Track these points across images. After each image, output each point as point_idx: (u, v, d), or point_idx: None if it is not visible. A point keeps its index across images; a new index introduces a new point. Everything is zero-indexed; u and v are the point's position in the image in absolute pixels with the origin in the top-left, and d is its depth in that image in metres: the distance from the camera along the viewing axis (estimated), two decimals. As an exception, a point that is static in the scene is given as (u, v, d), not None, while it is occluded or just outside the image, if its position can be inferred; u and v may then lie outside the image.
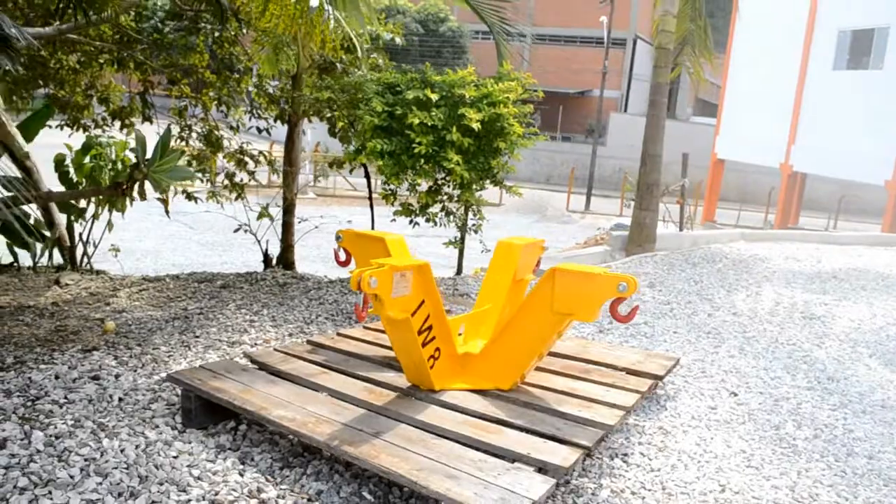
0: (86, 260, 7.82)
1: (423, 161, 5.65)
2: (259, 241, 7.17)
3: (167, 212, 6.80)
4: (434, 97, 5.60)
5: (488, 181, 6.02)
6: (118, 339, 4.49)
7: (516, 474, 2.72)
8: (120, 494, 2.64)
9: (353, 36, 5.61)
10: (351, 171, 7.07)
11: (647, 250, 8.45)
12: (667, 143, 8.80)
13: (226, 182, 7.52)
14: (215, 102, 8.04)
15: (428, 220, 6.29)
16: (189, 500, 2.66)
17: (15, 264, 7.12)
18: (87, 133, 9.25)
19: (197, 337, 4.63)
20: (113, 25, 8.10)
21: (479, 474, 2.69)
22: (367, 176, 7.37)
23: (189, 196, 7.15)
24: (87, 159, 8.38)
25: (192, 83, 8.78)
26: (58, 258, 7.64)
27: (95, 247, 7.77)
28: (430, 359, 3.43)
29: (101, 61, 9.37)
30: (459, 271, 7.23)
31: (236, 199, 7.93)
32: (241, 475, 2.90)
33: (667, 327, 5.45)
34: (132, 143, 8.91)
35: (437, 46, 36.97)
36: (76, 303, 5.62)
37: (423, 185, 6.09)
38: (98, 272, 7.34)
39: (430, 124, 5.56)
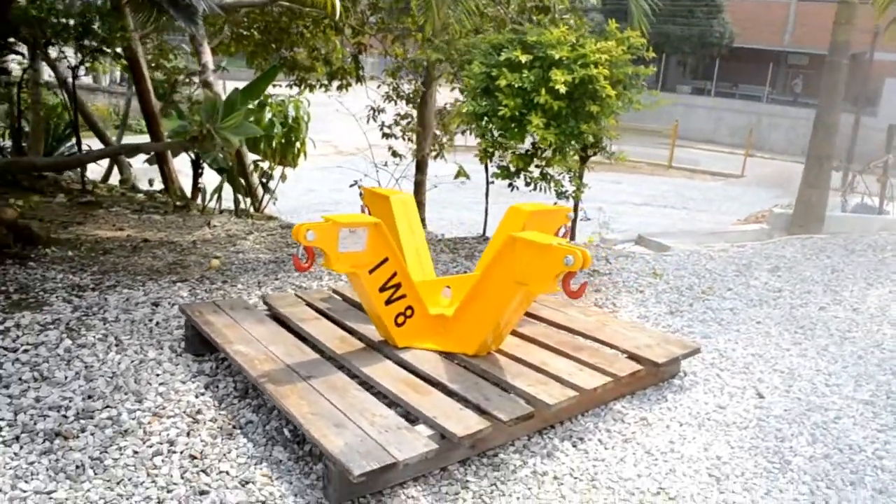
0: (264, 204, 8.92)
1: (511, 123, 5.58)
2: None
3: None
4: (525, 58, 5.47)
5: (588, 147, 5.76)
6: (214, 275, 5.14)
7: (404, 434, 2.77)
8: (89, 397, 3.15)
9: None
10: (462, 133, 7.15)
11: (811, 231, 7.43)
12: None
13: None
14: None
15: (527, 184, 6.19)
16: (135, 410, 3.10)
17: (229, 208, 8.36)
18: (311, 91, 10.45)
19: (277, 279, 5.14)
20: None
21: (367, 428, 2.79)
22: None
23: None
24: (267, 116, 9.36)
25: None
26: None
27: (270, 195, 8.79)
28: (399, 316, 3.53)
29: (323, 27, 10.44)
30: (572, 237, 7.01)
31: (436, 157, 8.43)
32: (196, 397, 3.28)
33: (754, 316, 4.87)
34: (305, 104, 9.87)
35: (689, 5, 34.49)
36: (211, 242, 6.46)
37: (518, 147, 6.00)
38: (253, 216, 8.31)
39: (517, 86, 5.45)
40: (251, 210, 8.76)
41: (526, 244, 3.17)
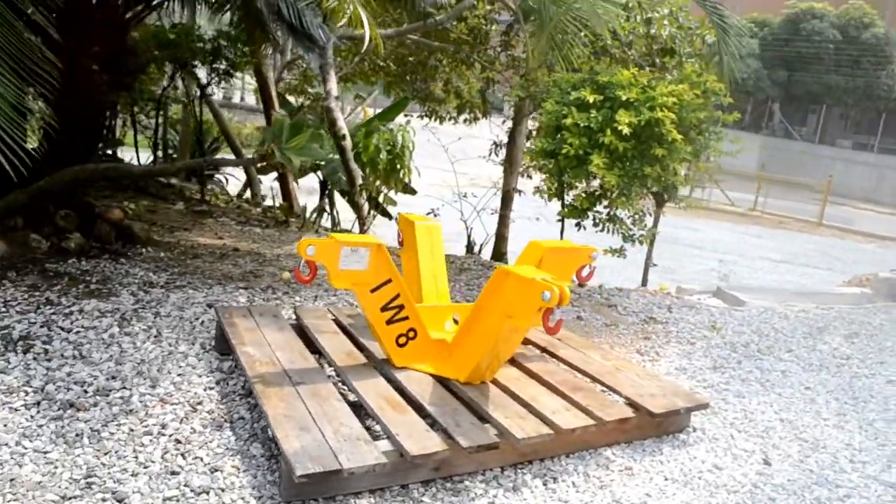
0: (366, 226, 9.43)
1: (576, 163, 5.60)
2: (468, 229, 7.76)
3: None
4: (593, 98, 5.50)
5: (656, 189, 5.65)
6: (281, 286, 5.52)
7: (360, 446, 2.90)
8: (112, 377, 3.53)
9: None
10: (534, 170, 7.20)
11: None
12: None
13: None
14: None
15: (596, 224, 6.14)
16: (146, 394, 3.43)
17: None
18: (440, 122, 11.02)
19: (335, 295, 5.44)
20: (467, 28, 9.47)
21: (329, 435, 2.94)
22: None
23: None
24: (374, 142, 9.87)
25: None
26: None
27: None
28: (400, 336, 3.66)
29: (457, 62, 11.01)
30: (644, 283, 6.83)
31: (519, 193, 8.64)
32: (204, 390, 3.58)
33: (805, 381, 4.55)
34: (411, 133, 10.32)
35: (857, 55, 32.33)
36: (294, 256, 6.92)
37: (583, 187, 5.99)
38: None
39: (583, 125, 5.48)
40: (355, 230, 9.27)
41: (510, 278, 3.22)
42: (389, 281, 3.56)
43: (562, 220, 6.43)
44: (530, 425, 3.20)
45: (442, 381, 3.60)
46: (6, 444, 2.91)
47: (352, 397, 3.49)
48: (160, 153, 10.38)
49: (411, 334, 3.68)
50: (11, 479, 2.72)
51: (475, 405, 3.38)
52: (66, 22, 5.73)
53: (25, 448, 2.91)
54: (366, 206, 9.76)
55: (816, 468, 3.46)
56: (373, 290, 3.54)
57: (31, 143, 6.86)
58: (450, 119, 11.47)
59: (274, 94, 11.34)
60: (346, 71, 16.12)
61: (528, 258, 3.99)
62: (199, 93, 9.54)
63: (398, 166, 10.00)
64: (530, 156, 6.09)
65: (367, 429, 3.12)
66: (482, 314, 3.44)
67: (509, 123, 9.12)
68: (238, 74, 11.76)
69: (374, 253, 3.47)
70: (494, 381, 3.65)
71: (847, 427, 3.96)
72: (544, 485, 3.15)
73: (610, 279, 7.04)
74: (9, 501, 2.61)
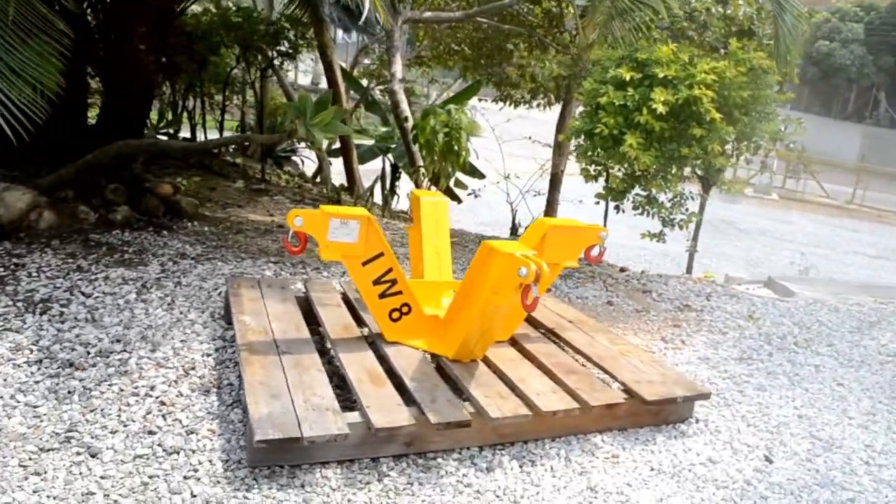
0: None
1: (610, 143, 5.39)
2: (513, 211, 7.63)
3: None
4: (630, 75, 5.27)
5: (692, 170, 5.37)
6: (313, 261, 5.58)
7: (327, 416, 2.90)
8: (117, 341, 3.67)
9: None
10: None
11: None
12: None
13: None
14: None
15: (635, 208, 5.90)
16: (144, 357, 3.55)
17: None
18: (514, 107, 10.96)
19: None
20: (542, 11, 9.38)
21: (299, 404, 2.95)
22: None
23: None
24: (430, 123, 9.86)
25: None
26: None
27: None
28: (394, 311, 3.64)
29: (531, 46, 10.95)
30: (689, 270, 6.52)
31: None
32: (201, 356, 3.66)
33: (840, 378, 4.23)
34: (469, 114, 10.25)
35: None
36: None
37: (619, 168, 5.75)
38: (396, 215, 8.80)
39: (618, 104, 5.27)
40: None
41: (492, 253, 3.13)
42: (381, 255, 3.54)
43: (605, 203, 6.23)
44: (509, 406, 3.12)
45: (432, 358, 3.56)
46: (0, 398, 3.07)
47: (334, 368, 3.49)
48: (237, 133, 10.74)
49: (405, 309, 3.65)
50: (-2, 429, 2.88)
51: (459, 383, 3.32)
52: (115, 3, 6.00)
53: (18, 402, 3.06)
54: (428, 188, 9.84)
55: (823, 468, 3.21)
56: (364, 264, 3.52)
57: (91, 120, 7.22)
58: (524, 104, 11.33)
59: (339, 75, 11.50)
60: (422, 54, 16.21)
61: (531, 235, 3.86)
62: (260, 74, 9.78)
63: (455, 147, 9.97)
64: (565, 136, 5.91)
65: (347, 400, 3.12)
66: (468, 290, 3.37)
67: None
68: (310, 56, 11.96)
69: (364, 226, 3.45)
70: (487, 361, 3.57)
71: (873, 428, 3.66)
72: (520, 467, 3.06)
73: (671, 268, 6.78)
74: (-7, 448, 2.76)
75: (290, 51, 9.50)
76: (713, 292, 5.73)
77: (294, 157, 14.17)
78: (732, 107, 5.22)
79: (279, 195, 8.67)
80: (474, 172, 10.99)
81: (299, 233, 3.40)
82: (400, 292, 3.61)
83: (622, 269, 6.38)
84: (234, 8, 9.49)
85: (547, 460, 3.13)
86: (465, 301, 3.41)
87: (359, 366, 3.37)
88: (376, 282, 3.56)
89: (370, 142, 13.52)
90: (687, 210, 5.74)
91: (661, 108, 4.98)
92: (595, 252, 3.97)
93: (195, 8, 9.34)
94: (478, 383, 3.31)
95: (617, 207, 6.00)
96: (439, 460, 3.04)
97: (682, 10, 8.42)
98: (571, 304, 5.22)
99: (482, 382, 3.32)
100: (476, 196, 7.81)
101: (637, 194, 5.84)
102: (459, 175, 10.65)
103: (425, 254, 4.03)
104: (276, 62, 10.05)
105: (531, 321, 4.25)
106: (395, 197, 11.12)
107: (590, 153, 5.51)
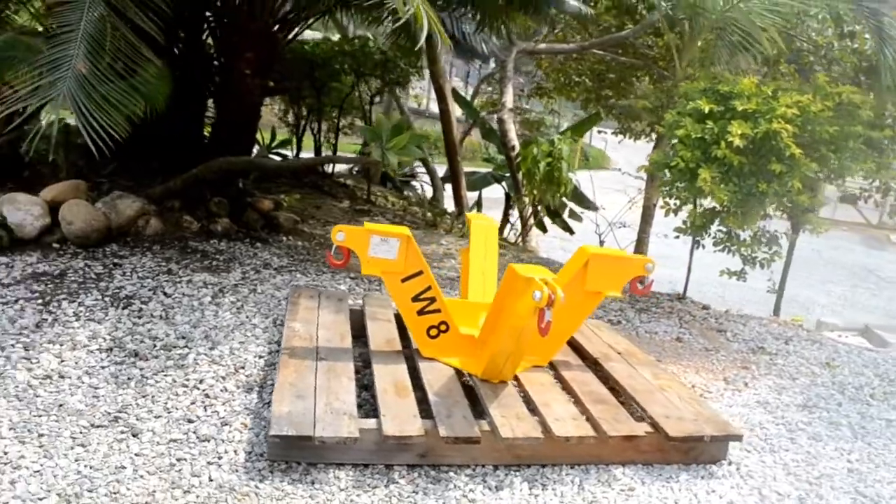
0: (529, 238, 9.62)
1: (687, 176, 5.26)
2: (601, 242, 7.52)
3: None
4: (708, 108, 5.14)
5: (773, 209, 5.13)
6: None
7: (343, 420, 3.06)
8: (182, 337, 4.01)
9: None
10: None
11: None
12: None
13: None
14: None
15: (716, 245, 5.69)
16: (202, 354, 3.85)
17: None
18: (635, 140, 11.06)
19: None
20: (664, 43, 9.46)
21: (320, 406, 3.13)
22: None
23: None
24: (533, 153, 9.97)
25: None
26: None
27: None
28: (431, 328, 3.76)
29: (648, 77, 11.01)
30: (776, 311, 6.17)
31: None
32: (255, 357, 3.92)
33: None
34: (574, 144, 10.27)
35: None
36: (426, 255, 7.20)
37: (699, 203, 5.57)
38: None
39: (694, 136, 5.15)
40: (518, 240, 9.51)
41: (514, 276, 3.19)
42: (420, 273, 3.68)
43: (690, 239, 6.03)
44: (523, 427, 3.14)
45: (462, 376, 3.63)
46: (69, 377, 3.46)
47: (365, 378, 3.65)
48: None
49: (443, 327, 3.76)
50: (60, 405, 3.24)
51: (482, 401, 3.38)
52: (225, 32, 6.57)
53: (83, 383, 3.44)
54: (531, 215, 9.94)
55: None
56: (403, 280, 3.68)
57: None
58: (644, 136, 11.26)
59: (450, 103, 11.86)
60: (541, 85, 16.38)
61: (573, 264, 3.88)
62: (370, 99, 10.27)
63: (556, 177, 10.00)
64: (647, 168, 5.83)
65: (374, 408, 3.26)
66: (497, 312, 3.44)
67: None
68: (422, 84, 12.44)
69: (403, 244, 3.61)
70: (519, 383, 3.62)
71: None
72: (530, 489, 3.07)
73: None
74: (51, 419, 3.12)
75: (400, 79, 9.93)
76: (794, 336, 5.42)
77: (414, 182, 14.67)
78: (819, 143, 4.96)
79: (380, 216, 9.01)
80: (582, 202, 10.94)
81: (342, 247, 3.61)
82: (438, 310, 3.73)
83: (704, 307, 6.15)
84: (351, 38, 10.08)
85: (560, 486, 3.12)
86: (495, 322, 3.48)
87: (390, 377, 3.51)
88: (415, 299, 3.71)
89: (486, 169, 13.78)
90: (771, 249, 5.48)
91: (737, 142, 4.82)
92: (642, 285, 3.92)
93: (310, 35, 10.01)
94: (500, 403, 3.35)
95: (697, 243, 5.82)
96: (451, 474, 3.11)
97: (807, 45, 8.09)
98: (639, 338, 5.13)
99: (504, 403, 3.36)
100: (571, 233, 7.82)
101: (718, 230, 5.64)
102: (574, 206, 10.68)
103: (471, 274, 4.13)
104: (387, 89, 10.56)
105: (579, 350, 4.23)
106: (508, 224, 11.26)
107: (668, 187, 5.40)
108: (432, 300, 3.71)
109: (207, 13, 6.66)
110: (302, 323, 4.01)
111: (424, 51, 11.72)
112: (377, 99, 10.55)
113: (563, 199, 9.83)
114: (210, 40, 7.19)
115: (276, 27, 6.53)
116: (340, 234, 3.56)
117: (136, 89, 4.77)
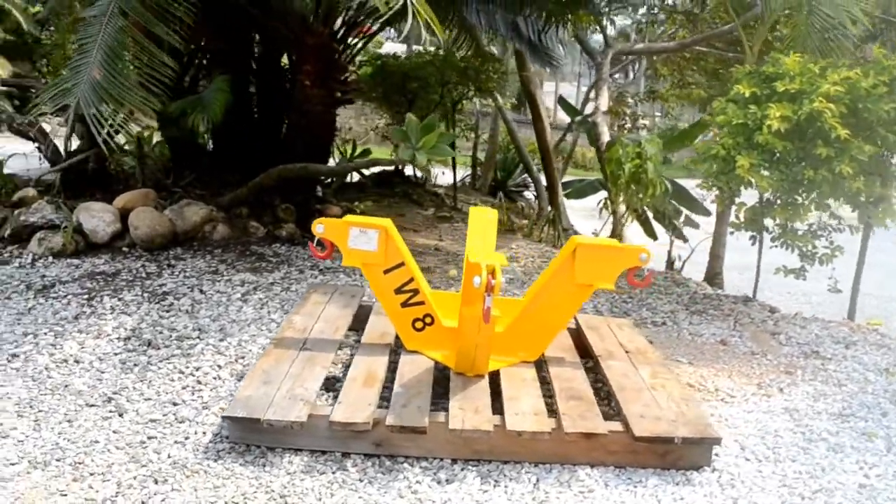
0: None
1: (725, 164, 4.89)
2: (671, 244, 7.13)
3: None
4: (749, 91, 4.76)
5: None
6: (440, 281, 5.85)
7: (298, 405, 3.14)
8: (199, 329, 4.28)
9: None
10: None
11: None
12: None
13: None
14: None
15: (773, 241, 5.23)
16: (212, 344, 4.08)
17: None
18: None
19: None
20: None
21: (282, 393, 3.24)
22: None
23: None
24: (617, 154, 9.67)
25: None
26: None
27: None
28: (416, 321, 3.76)
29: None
30: (850, 315, 5.53)
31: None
32: (259, 349, 4.10)
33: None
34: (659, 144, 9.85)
35: None
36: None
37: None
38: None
39: (735, 122, 4.79)
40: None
41: (467, 262, 3.14)
42: (402, 264, 3.69)
43: (752, 236, 5.61)
44: (474, 420, 3.08)
45: (441, 369, 3.60)
46: (82, 361, 3.79)
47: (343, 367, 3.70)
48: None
49: (428, 320, 3.75)
50: (66, 385, 3.56)
51: (446, 393, 3.33)
52: (285, 45, 6.92)
53: (92, 367, 3.76)
54: (623, 218, 9.61)
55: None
56: (386, 272, 3.71)
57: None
58: None
59: (541, 107, 11.74)
60: (654, 88, 15.84)
61: (563, 254, 3.73)
62: (452, 107, 10.38)
63: (643, 178, 9.62)
64: (691, 160, 5.47)
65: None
66: (462, 302, 3.38)
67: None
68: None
69: (382, 235, 3.64)
70: (496, 377, 3.53)
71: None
72: (481, 484, 2.99)
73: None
74: (54, 398, 3.44)
75: (481, 87, 9.98)
76: (860, 341, 4.86)
77: (526, 193, 14.65)
78: (873, 123, 4.44)
79: (461, 222, 9.07)
80: (692, 206, 10.37)
81: (325, 239, 3.70)
82: (422, 302, 3.73)
83: (772, 310, 5.67)
84: (432, 49, 10.27)
85: (514, 483, 3.01)
86: (470, 318, 3.42)
87: (364, 367, 3.55)
88: (398, 291, 3.72)
89: (593, 177, 13.52)
90: (832, 243, 4.96)
91: (776, 125, 4.43)
92: (639, 276, 3.70)
93: (392, 48, 10.29)
94: (464, 396, 3.30)
95: (753, 238, 5.39)
96: (405, 465, 3.10)
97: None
98: (678, 340, 4.84)
99: (470, 396, 3.30)
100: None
101: (777, 224, 5.20)
102: (687, 212, 10.19)
103: (465, 264, 4.07)
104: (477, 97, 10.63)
105: (583, 347, 4.07)
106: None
107: (710, 177, 5.05)
108: (415, 292, 3.71)
109: (263, 31, 7.04)
110: (302, 316, 4.14)
111: (507, 58, 11.70)
112: (458, 106, 10.62)
113: (673, 202, 9.39)
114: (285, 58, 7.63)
115: (335, 40, 6.81)
116: (320, 227, 3.66)
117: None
